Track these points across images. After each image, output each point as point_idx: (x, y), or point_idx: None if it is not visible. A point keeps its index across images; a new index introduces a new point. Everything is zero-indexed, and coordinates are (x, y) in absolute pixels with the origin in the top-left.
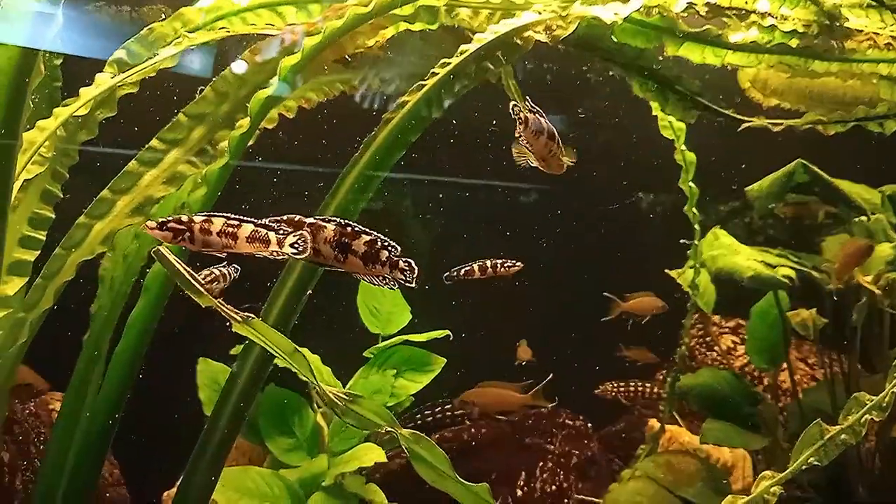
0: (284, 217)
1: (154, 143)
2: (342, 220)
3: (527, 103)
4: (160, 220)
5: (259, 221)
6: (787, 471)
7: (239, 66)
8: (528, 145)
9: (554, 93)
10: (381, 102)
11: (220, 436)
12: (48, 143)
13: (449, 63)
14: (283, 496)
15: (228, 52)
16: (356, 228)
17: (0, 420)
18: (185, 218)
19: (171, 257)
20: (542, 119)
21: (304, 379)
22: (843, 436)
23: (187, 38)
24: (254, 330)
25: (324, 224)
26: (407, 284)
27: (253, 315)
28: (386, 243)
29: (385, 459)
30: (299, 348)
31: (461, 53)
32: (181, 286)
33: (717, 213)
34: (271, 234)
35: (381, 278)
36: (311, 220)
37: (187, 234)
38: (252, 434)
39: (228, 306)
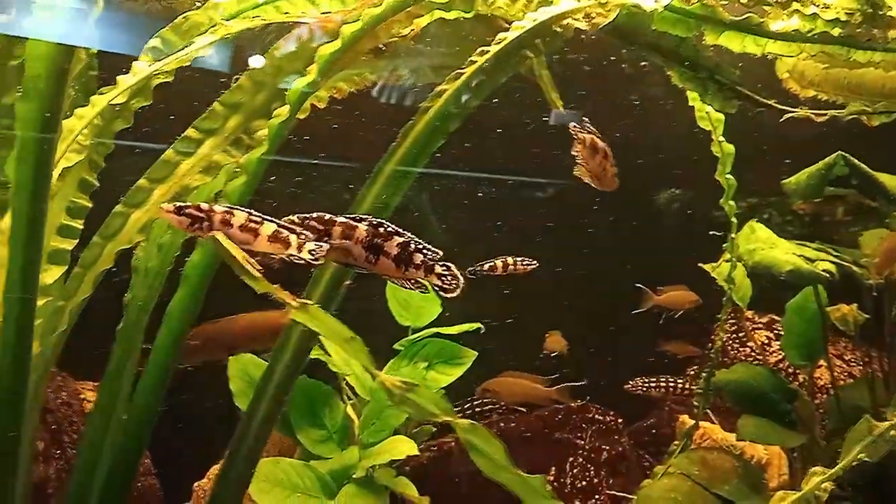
0: (314, 215)
1: (190, 132)
2: (375, 220)
3: (585, 124)
4: (178, 204)
5: (282, 222)
6: (837, 467)
7: (257, 61)
8: (584, 163)
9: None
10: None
11: (256, 429)
12: (86, 132)
13: (487, 51)
14: (315, 487)
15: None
16: (389, 229)
17: (39, 408)
18: (205, 206)
19: (226, 242)
20: (597, 139)
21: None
22: (892, 432)
23: (223, 27)
24: (311, 316)
25: (356, 224)
26: (447, 293)
27: (309, 301)
28: (421, 246)
29: (417, 452)
30: (355, 336)
31: (499, 42)
32: (237, 271)
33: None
34: (292, 237)
35: (414, 283)
36: (342, 218)
37: (205, 223)
38: (282, 425)
39: (285, 292)
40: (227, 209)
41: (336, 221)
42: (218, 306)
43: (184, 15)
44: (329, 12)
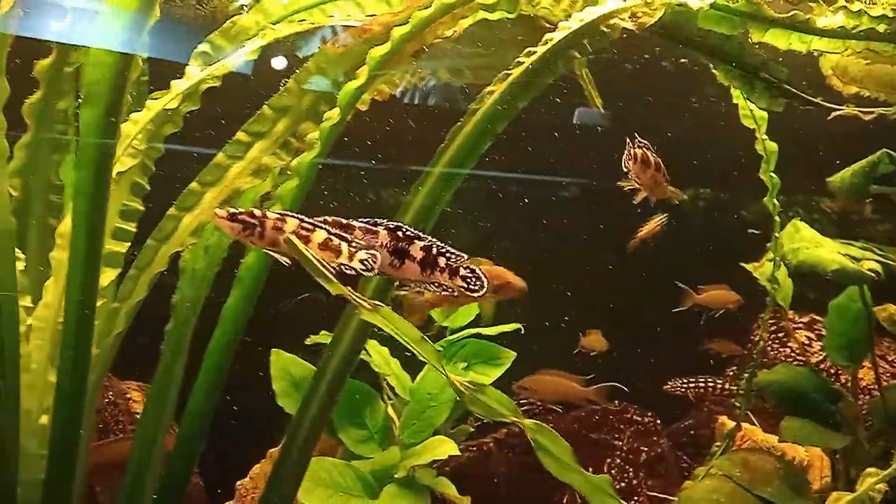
0: (330, 219)
1: (239, 135)
2: (392, 224)
3: (637, 140)
4: (232, 210)
5: (333, 231)
6: (893, 468)
7: (279, 62)
8: (636, 178)
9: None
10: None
11: (306, 431)
12: (140, 136)
13: (535, 52)
14: (356, 487)
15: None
16: (409, 232)
17: (95, 410)
18: (258, 212)
19: (301, 245)
20: (649, 153)
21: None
22: None
23: (271, 31)
24: (383, 317)
25: (375, 228)
26: (471, 293)
27: (380, 303)
28: (443, 249)
29: (458, 453)
30: (426, 337)
31: (546, 42)
32: (312, 274)
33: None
34: (343, 246)
35: (438, 286)
36: (360, 223)
37: (258, 229)
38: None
39: (358, 294)
40: (279, 216)
41: (355, 226)
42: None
43: (231, 20)
44: (374, 15)
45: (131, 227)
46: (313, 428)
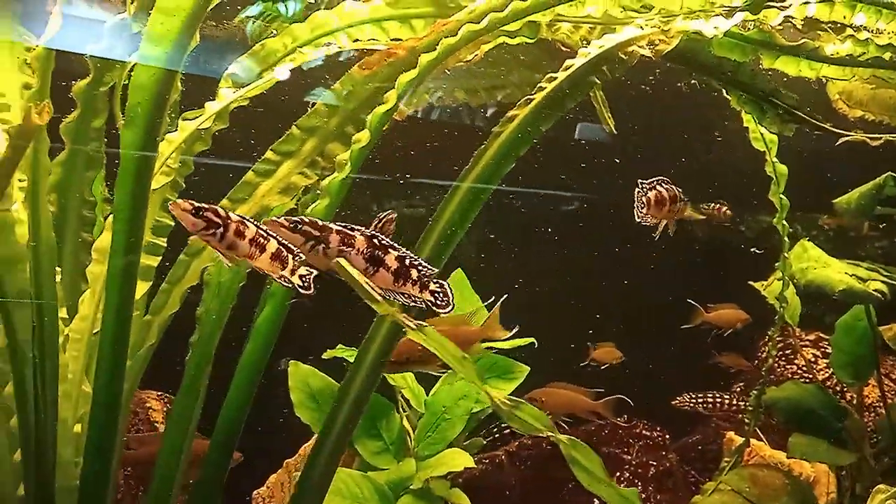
0: (307, 219)
1: (269, 154)
2: (369, 231)
3: (643, 184)
4: (196, 204)
5: (283, 241)
6: None
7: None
8: (653, 220)
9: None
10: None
11: (332, 445)
12: (174, 155)
13: (556, 77)
14: (373, 498)
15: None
16: (384, 241)
17: (127, 418)
18: (222, 212)
19: (349, 267)
20: (661, 189)
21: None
22: None
23: (301, 54)
24: (426, 336)
25: (352, 233)
26: (438, 310)
27: (424, 323)
28: (416, 262)
29: (474, 465)
30: (466, 356)
31: (567, 68)
32: (360, 294)
33: (761, 224)
34: (289, 259)
35: (407, 297)
36: (337, 226)
37: (220, 229)
38: None
39: (404, 315)
40: (241, 219)
41: (333, 229)
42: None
43: (261, 42)
44: (399, 39)
45: (162, 241)
46: (339, 441)
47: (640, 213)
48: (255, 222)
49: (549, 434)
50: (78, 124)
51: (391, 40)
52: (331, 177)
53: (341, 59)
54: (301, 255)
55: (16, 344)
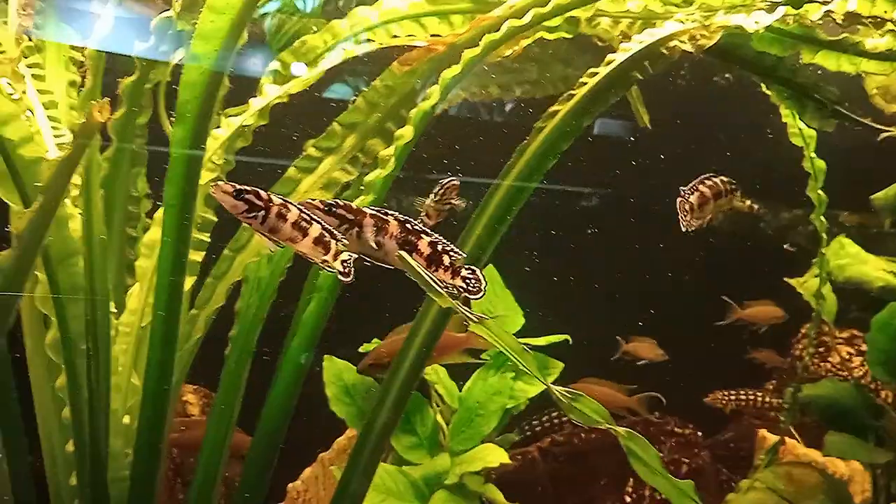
0: (342, 203)
1: (310, 150)
2: (402, 217)
3: (684, 190)
4: (237, 186)
5: (327, 227)
6: None
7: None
8: (699, 222)
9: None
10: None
11: (374, 442)
12: (219, 151)
13: (597, 73)
14: (408, 492)
15: None
16: (417, 227)
17: (174, 410)
18: (264, 194)
19: (411, 259)
20: (705, 189)
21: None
22: None
23: (345, 52)
24: (488, 330)
25: (386, 218)
26: (470, 296)
27: (486, 315)
28: (448, 247)
29: (509, 461)
30: (526, 349)
31: (608, 63)
32: (423, 287)
33: (781, 221)
34: (332, 244)
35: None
36: (372, 210)
37: (262, 212)
38: None
39: (466, 308)
40: (283, 202)
41: (367, 213)
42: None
43: (301, 39)
44: (438, 35)
45: (206, 237)
46: (381, 437)
47: (685, 220)
48: (298, 205)
49: (609, 427)
50: (124, 121)
51: (431, 36)
52: (375, 173)
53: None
54: (344, 239)
55: (69, 337)
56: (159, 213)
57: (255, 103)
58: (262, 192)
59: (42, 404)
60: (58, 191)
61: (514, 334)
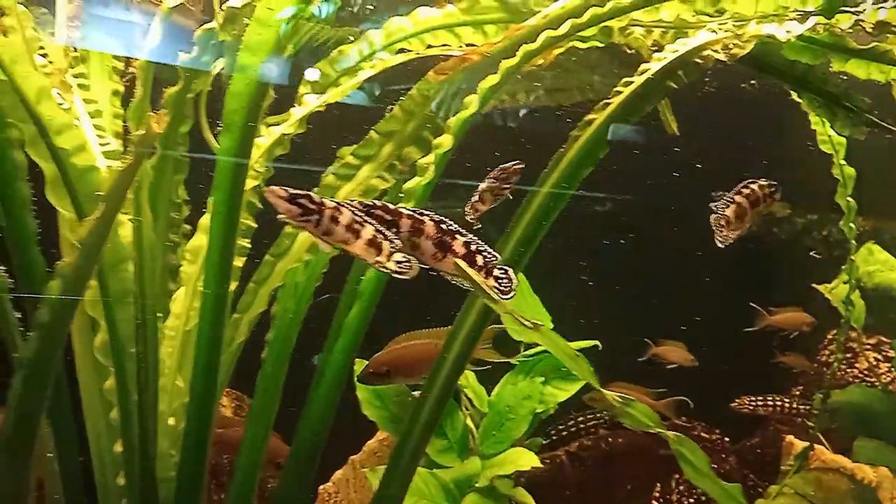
0: (379, 203)
1: (349, 158)
2: (436, 216)
3: (719, 206)
4: (290, 190)
5: (380, 228)
6: None
7: (313, 74)
8: (737, 233)
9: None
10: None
11: (412, 447)
12: (261, 159)
13: (632, 82)
14: (439, 495)
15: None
16: (452, 227)
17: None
18: (316, 198)
19: (467, 267)
20: (742, 200)
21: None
22: None
23: (382, 61)
24: (543, 335)
25: (422, 218)
26: (502, 296)
27: (539, 322)
28: (481, 248)
29: (540, 464)
30: (580, 354)
31: (642, 73)
32: (478, 293)
33: (794, 226)
34: (385, 244)
35: (470, 282)
36: (409, 211)
37: (315, 216)
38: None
39: (521, 314)
40: (336, 205)
41: (403, 213)
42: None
43: (339, 49)
44: (473, 45)
45: (247, 243)
46: (421, 439)
47: (722, 235)
48: (350, 207)
49: (658, 430)
50: (168, 129)
51: (466, 45)
52: (415, 180)
53: None
54: (397, 240)
55: (118, 340)
56: (204, 220)
57: (297, 112)
58: (315, 196)
59: (90, 406)
60: (118, 200)
61: None
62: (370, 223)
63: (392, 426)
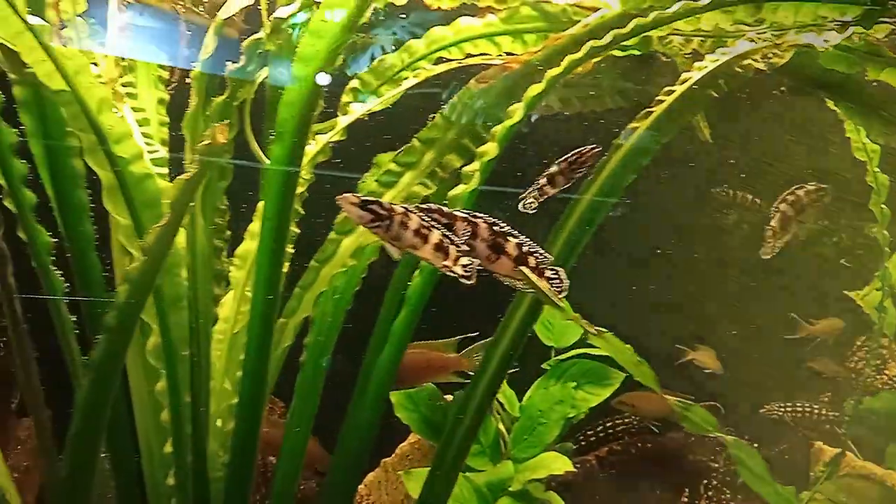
0: (434, 207)
1: (391, 166)
2: (491, 219)
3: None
4: (362, 197)
5: (447, 233)
6: None
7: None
8: (783, 242)
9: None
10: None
11: (454, 452)
12: (307, 167)
13: (674, 90)
14: (472, 498)
15: None
16: (505, 229)
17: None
18: (387, 204)
19: (532, 274)
20: (787, 207)
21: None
22: None
23: (424, 70)
24: (607, 342)
25: (476, 220)
26: (554, 294)
27: (605, 329)
28: (533, 249)
29: (573, 468)
30: (643, 360)
31: (683, 81)
32: (543, 300)
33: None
34: (452, 249)
35: (524, 283)
36: (463, 213)
37: (386, 221)
38: (433, 436)
39: (586, 322)
40: (405, 210)
41: (458, 216)
42: None
43: (380, 58)
44: (512, 53)
45: (290, 248)
46: (463, 443)
47: (770, 246)
48: (419, 213)
49: (717, 434)
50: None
51: (506, 54)
52: (460, 187)
53: None
54: (464, 245)
55: (170, 343)
56: (253, 226)
57: (343, 121)
58: (385, 202)
59: (140, 407)
60: (183, 207)
61: (573, 344)
62: (437, 228)
63: (425, 429)
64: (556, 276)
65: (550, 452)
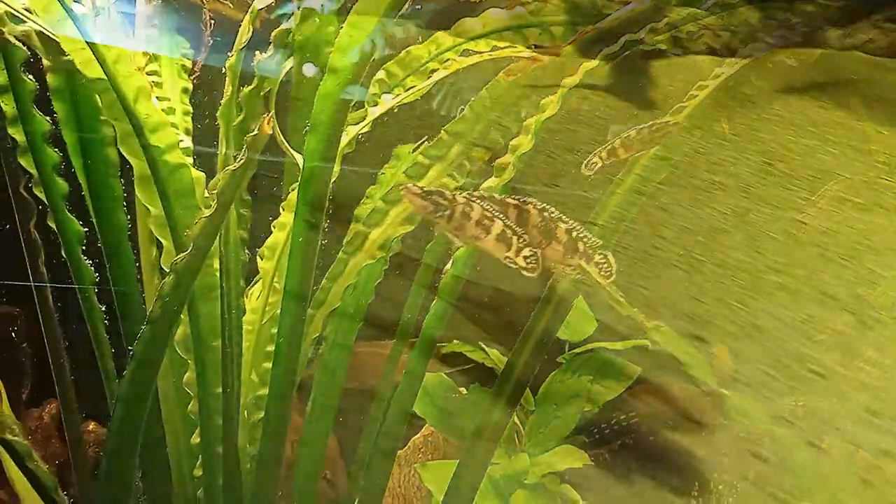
0: (486, 195)
1: (419, 158)
2: (540, 204)
3: None
4: (424, 187)
5: (509, 223)
6: None
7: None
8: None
9: None
10: None
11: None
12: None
13: (706, 86)
14: (488, 491)
15: None
16: (554, 214)
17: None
18: (448, 194)
19: (594, 271)
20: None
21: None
22: None
23: (455, 62)
24: (663, 335)
25: (526, 206)
26: (602, 280)
27: (661, 323)
28: (582, 234)
29: (590, 462)
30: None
31: (716, 77)
32: (606, 297)
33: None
34: (514, 240)
35: (573, 269)
36: (513, 200)
37: (448, 211)
38: (447, 429)
39: (642, 315)
40: (467, 200)
41: (510, 203)
42: None
43: (406, 49)
44: (542, 46)
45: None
46: (492, 437)
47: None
48: (482, 202)
49: None
50: (239, 128)
51: (535, 47)
52: (493, 179)
53: None
54: (526, 236)
55: (200, 334)
56: (282, 218)
57: (373, 112)
58: (447, 192)
59: (167, 398)
60: (229, 199)
61: (586, 339)
62: (500, 218)
63: (439, 422)
64: (604, 262)
65: (566, 446)
